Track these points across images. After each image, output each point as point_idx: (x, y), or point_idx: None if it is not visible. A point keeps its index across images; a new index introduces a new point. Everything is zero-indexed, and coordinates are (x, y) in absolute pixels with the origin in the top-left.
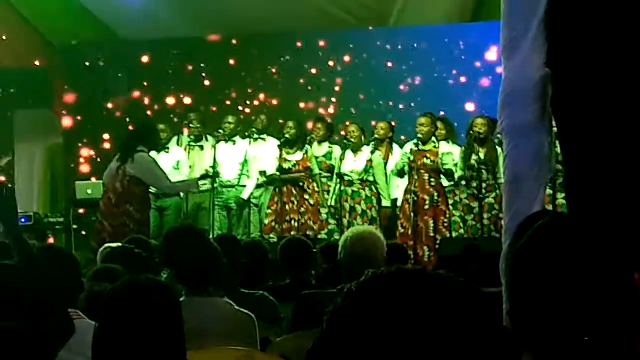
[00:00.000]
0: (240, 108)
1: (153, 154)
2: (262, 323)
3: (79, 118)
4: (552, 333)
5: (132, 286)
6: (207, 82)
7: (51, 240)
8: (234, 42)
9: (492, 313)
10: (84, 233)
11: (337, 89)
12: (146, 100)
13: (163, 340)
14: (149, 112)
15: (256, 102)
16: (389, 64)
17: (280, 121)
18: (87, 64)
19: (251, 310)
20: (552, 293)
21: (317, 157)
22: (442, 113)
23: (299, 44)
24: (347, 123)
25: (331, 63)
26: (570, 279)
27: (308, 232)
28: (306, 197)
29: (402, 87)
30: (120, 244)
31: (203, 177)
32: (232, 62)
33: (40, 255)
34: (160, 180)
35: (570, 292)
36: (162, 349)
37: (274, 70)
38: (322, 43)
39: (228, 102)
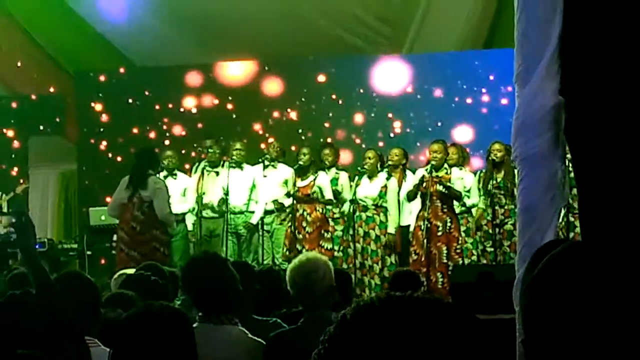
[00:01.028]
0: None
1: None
2: None
3: (94, 145)
4: None
5: (147, 313)
6: (225, 109)
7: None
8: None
9: (482, 338)
10: (103, 262)
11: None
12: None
13: None
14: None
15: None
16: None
17: (293, 148)
18: (100, 93)
19: (264, 337)
20: (567, 322)
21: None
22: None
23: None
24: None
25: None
26: (585, 309)
27: None
28: (304, 224)
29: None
30: (134, 271)
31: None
32: (246, 86)
33: (60, 281)
34: (167, 206)
35: (586, 322)
36: None
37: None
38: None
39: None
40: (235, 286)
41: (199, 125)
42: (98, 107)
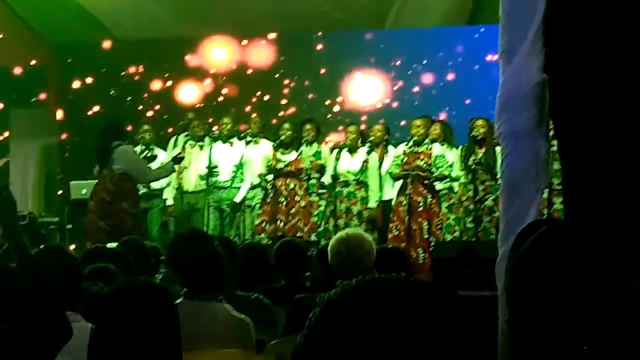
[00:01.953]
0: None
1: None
2: (257, 325)
3: (75, 118)
4: (551, 341)
5: (129, 288)
6: (206, 82)
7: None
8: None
9: (463, 318)
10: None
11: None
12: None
13: (159, 343)
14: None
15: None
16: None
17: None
18: (82, 66)
19: (246, 312)
20: (551, 301)
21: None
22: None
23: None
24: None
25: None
26: (569, 287)
27: (298, 234)
28: (297, 198)
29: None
30: (104, 245)
31: (175, 160)
32: (220, 61)
33: (41, 256)
34: (144, 169)
35: (570, 301)
36: (158, 352)
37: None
38: (323, 44)
39: (227, 102)
40: (220, 263)
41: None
42: (80, 80)
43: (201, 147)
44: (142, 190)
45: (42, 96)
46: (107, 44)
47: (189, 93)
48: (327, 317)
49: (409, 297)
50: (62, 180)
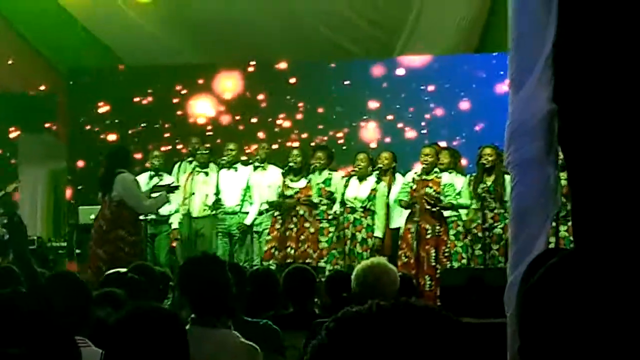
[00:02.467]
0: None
1: (145, 177)
2: (266, 352)
3: (84, 143)
4: None
5: (139, 314)
6: (215, 108)
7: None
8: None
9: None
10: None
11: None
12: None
13: None
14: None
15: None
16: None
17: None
18: (92, 91)
19: (255, 338)
20: (564, 332)
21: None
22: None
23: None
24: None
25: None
26: (582, 318)
27: (307, 260)
28: (306, 225)
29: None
30: (120, 271)
31: (169, 189)
32: (236, 87)
33: (51, 281)
34: (139, 200)
35: (583, 332)
36: None
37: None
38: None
39: (241, 127)
40: (229, 288)
41: (192, 125)
42: (89, 105)
43: (206, 173)
44: (151, 216)
45: (51, 122)
46: (116, 70)
47: (197, 119)
48: (329, 345)
49: (410, 324)
50: (70, 206)
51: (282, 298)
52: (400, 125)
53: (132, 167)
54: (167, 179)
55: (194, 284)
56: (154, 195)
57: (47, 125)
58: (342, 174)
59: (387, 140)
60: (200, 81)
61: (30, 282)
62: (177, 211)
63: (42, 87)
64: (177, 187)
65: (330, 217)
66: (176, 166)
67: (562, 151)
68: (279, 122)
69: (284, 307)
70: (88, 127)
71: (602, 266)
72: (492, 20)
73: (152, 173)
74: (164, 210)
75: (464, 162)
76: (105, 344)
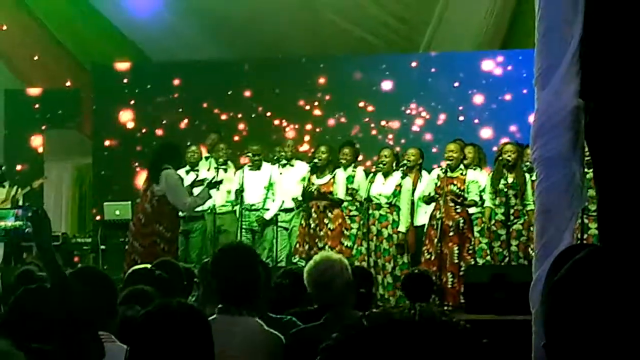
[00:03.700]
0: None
1: (182, 172)
2: None
3: (109, 139)
4: None
5: (164, 311)
6: (235, 104)
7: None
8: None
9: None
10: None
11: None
12: (181, 123)
13: None
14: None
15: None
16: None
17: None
18: (117, 87)
19: (279, 333)
20: (590, 327)
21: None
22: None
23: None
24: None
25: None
26: (610, 314)
27: None
28: (326, 221)
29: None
30: (145, 266)
31: (211, 185)
32: (256, 84)
33: (76, 276)
34: (182, 198)
35: (610, 327)
36: None
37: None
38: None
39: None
40: (260, 281)
41: (217, 120)
42: (114, 101)
43: (225, 170)
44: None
45: (77, 117)
46: (142, 66)
47: (224, 114)
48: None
49: (408, 335)
50: (95, 201)
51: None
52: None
53: (179, 164)
54: (203, 174)
55: (225, 270)
56: (195, 190)
57: (72, 121)
58: (362, 170)
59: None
60: (225, 77)
61: (53, 276)
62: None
63: (68, 83)
64: (219, 182)
65: (351, 213)
66: (201, 161)
67: (589, 147)
68: (299, 119)
69: (310, 304)
70: (113, 123)
71: (629, 262)
72: (518, 16)
73: (188, 168)
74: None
75: None
76: (130, 339)
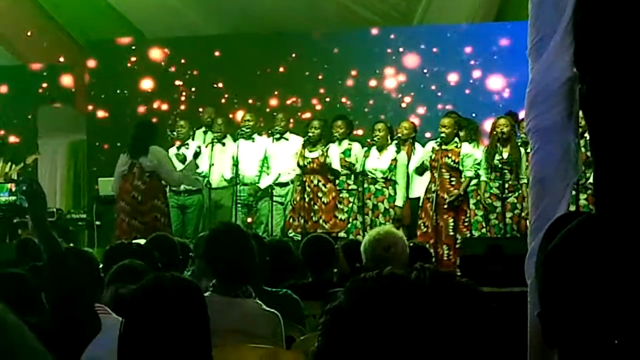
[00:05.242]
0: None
1: (173, 149)
2: (286, 321)
3: (103, 115)
4: (583, 334)
5: (159, 284)
6: (233, 78)
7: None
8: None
9: (489, 312)
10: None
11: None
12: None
13: (189, 337)
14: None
15: (273, 101)
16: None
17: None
18: (111, 63)
19: (275, 307)
20: (584, 294)
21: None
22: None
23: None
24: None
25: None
26: (603, 281)
27: (319, 230)
28: (319, 194)
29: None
30: (122, 241)
31: (194, 155)
32: (251, 59)
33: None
34: (172, 173)
35: (603, 294)
36: (188, 346)
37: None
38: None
39: (250, 101)
40: (254, 258)
41: (210, 95)
42: (108, 77)
43: (223, 144)
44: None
45: (70, 93)
46: (135, 42)
47: (216, 88)
48: (339, 324)
49: (422, 296)
50: (90, 177)
51: (301, 267)
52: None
53: (155, 142)
54: (191, 145)
55: (218, 253)
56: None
57: (66, 97)
58: (361, 144)
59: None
60: (217, 53)
61: (49, 249)
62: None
63: (62, 59)
64: (199, 152)
65: (350, 187)
66: (193, 133)
67: (585, 117)
68: (293, 95)
69: (303, 276)
70: (107, 99)
71: (622, 229)
72: None
73: (179, 144)
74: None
75: None
76: (125, 313)
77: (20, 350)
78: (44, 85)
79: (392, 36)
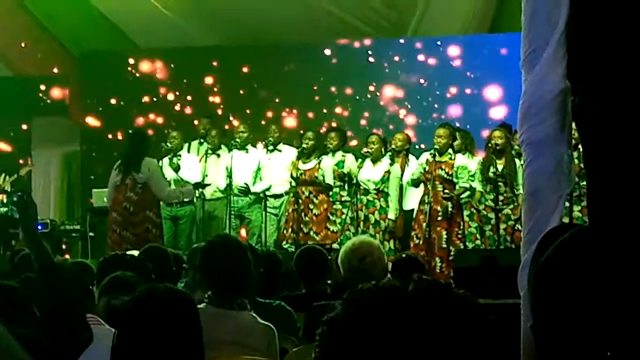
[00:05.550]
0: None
1: (165, 160)
2: (279, 333)
3: (97, 125)
4: (576, 346)
5: (152, 295)
6: (228, 89)
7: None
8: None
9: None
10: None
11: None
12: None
13: (182, 349)
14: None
15: (270, 114)
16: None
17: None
18: (105, 75)
19: (268, 319)
20: (577, 307)
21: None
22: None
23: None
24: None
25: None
26: (596, 294)
27: (310, 242)
28: (310, 206)
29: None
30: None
31: (197, 185)
32: (245, 70)
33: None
34: (164, 187)
35: (595, 307)
36: (181, 358)
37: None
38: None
39: (247, 112)
40: (250, 271)
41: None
42: (102, 88)
43: (218, 155)
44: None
45: (64, 104)
46: (129, 53)
47: (211, 100)
48: (336, 335)
49: (420, 308)
50: (84, 188)
51: (294, 278)
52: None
53: (148, 153)
54: (185, 159)
55: (215, 264)
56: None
57: (60, 108)
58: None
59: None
60: (215, 63)
61: (39, 260)
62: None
63: (56, 70)
64: (207, 185)
65: (343, 199)
66: (185, 146)
67: (578, 128)
68: (294, 105)
69: (295, 288)
70: (101, 110)
71: (615, 241)
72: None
73: (171, 155)
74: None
75: None
76: (119, 323)
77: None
78: (38, 96)
79: (387, 47)
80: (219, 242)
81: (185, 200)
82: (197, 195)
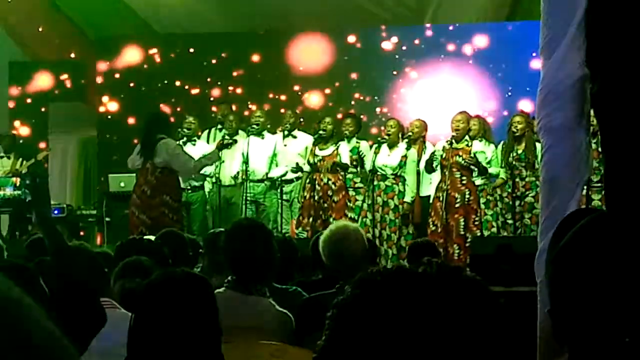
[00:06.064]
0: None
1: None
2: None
3: (114, 111)
4: (593, 331)
5: (169, 279)
6: (242, 76)
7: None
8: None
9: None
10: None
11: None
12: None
13: (199, 333)
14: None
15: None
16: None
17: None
18: (122, 59)
19: (285, 304)
20: (595, 292)
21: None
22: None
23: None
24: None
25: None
26: (613, 278)
27: None
28: (329, 193)
29: None
30: (134, 237)
31: (221, 147)
32: (264, 56)
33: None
34: (187, 163)
35: (613, 292)
36: (198, 341)
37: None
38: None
39: (269, 96)
40: (274, 258)
41: (220, 92)
42: (119, 73)
43: (235, 141)
44: (193, 182)
45: (81, 90)
46: (146, 38)
47: (229, 85)
48: (345, 318)
49: (429, 290)
50: (100, 173)
51: (307, 264)
52: None
53: (171, 133)
54: (199, 145)
55: (239, 248)
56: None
57: (77, 94)
58: (369, 142)
59: None
60: (230, 50)
61: (53, 244)
62: (210, 175)
63: (73, 55)
64: (231, 143)
65: (356, 185)
66: (205, 133)
67: (596, 116)
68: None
69: (309, 274)
70: (119, 96)
71: (633, 227)
72: None
73: (185, 139)
74: (196, 180)
75: None
76: (136, 306)
77: (36, 333)
78: (55, 81)
79: (406, 34)
80: (246, 225)
81: (212, 164)
82: (220, 157)
